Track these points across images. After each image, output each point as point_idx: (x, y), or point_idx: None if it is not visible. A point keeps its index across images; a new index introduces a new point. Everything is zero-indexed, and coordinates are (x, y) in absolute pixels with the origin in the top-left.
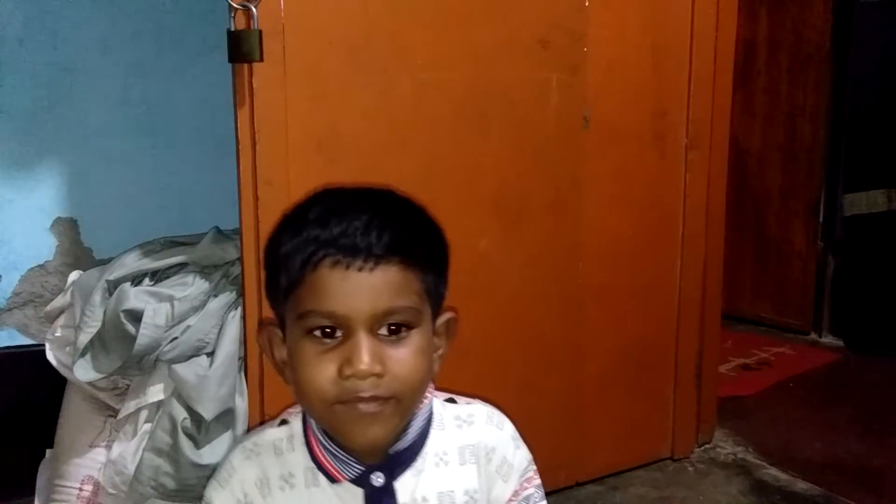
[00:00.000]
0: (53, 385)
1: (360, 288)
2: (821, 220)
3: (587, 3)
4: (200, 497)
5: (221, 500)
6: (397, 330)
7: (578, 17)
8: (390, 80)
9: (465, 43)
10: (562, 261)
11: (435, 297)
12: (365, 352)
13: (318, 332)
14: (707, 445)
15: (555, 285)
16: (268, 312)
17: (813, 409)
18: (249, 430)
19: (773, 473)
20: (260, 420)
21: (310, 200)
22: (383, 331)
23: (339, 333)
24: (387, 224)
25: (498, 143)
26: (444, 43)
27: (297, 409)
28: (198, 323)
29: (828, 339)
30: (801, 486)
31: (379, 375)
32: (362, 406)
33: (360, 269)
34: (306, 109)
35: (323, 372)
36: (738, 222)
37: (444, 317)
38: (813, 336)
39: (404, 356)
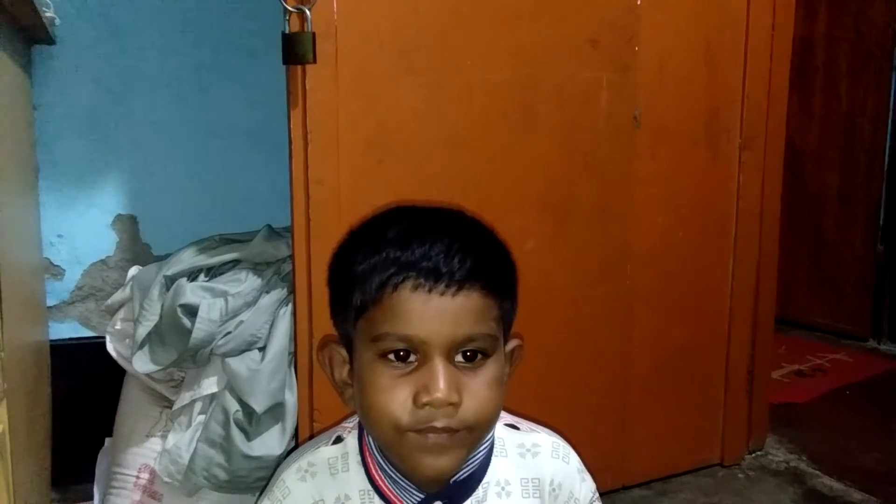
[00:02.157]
0: (113, 376)
1: (442, 313)
2: (881, 223)
3: (639, 2)
4: (251, 488)
5: None
6: (473, 357)
7: (629, 16)
8: (440, 81)
9: (513, 43)
10: (610, 262)
11: (508, 324)
12: (442, 380)
13: (391, 356)
14: (758, 452)
15: (602, 287)
16: (319, 309)
17: (869, 417)
18: (297, 437)
19: (826, 482)
20: (309, 414)
21: (383, 219)
22: (459, 358)
23: (413, 358)
24: (469, 249)
25: (547, 143)
26: (493, 43)
27: (352, 424)
28: (250, 318)
29: (887, 347)
30: (856, 496)
31: (455, 405)
32: (433, 437)
33: (441, 294)
34: (357, 110)
35: (397, 399)
36: (793, 225)
37: (512, 343)
38: (871, 343)
39: (479, 386)
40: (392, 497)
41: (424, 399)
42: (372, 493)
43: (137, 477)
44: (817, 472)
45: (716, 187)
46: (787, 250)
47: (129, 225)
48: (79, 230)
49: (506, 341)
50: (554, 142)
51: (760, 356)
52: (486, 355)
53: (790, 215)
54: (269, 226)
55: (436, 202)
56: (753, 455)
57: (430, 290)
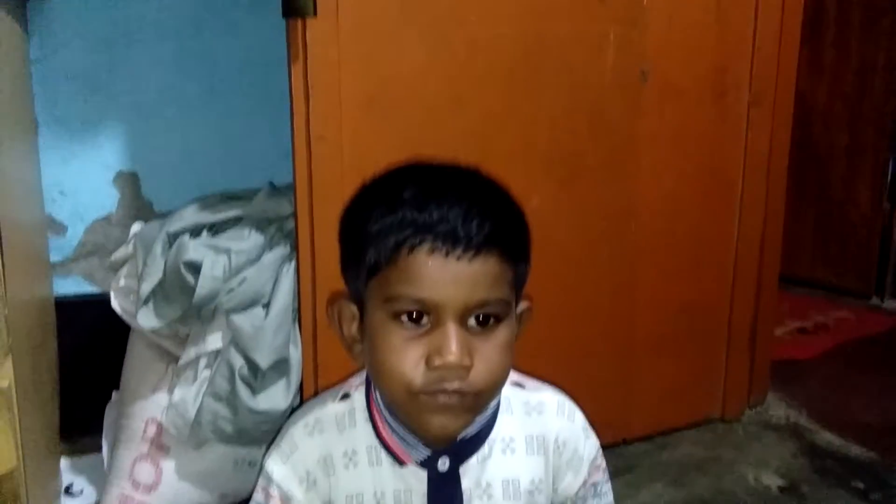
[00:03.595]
0: (119, 331)
1: (457, 278)
2: (888, 180)
3: None
4: (257, 441)
5: (283, 475)
6: (485, 321)
7: None
8: (443, 37)
9: None
10: (614, 220)
11: (520, 288)
12: (455, 343)
13: (404, 317)
14: (759, 408)
15: (606, 245)
16: (322, 266)
17: (871, 373)
18: (303, 392)
19: (826, 437)
20: (313, 370)
21: (399, 176)
22: (472, 322)
23: (426, 320)
24: (487, 213)
25: (552, 99)
26: None
27: (359, 380)
28: (253, 275)
29: (890, 304)
30: (856, 450)
31: (467, 368)
32: (443, 398)
33: (458, 259)
34: (359, 65)
35: (409, 360)
36: (799, 182)
37: (522, 306)
38: (875, 300)
39: (491, 351)
40: (399, 453)
41: (437, 362)
42: (379, 448)
43: (145, 430)
44: (817, 427)
45: (723, 144)
46: (793, 208)
47: (130, 181)
48: (80, 186)
49: (517, 304)
50: (559, 98)
51: (764, 313)
52: (499, 320)
53: (796, 172)
54: (271, 183)
55: (441, 159)
56: (754, 410)
57: (446, 255)
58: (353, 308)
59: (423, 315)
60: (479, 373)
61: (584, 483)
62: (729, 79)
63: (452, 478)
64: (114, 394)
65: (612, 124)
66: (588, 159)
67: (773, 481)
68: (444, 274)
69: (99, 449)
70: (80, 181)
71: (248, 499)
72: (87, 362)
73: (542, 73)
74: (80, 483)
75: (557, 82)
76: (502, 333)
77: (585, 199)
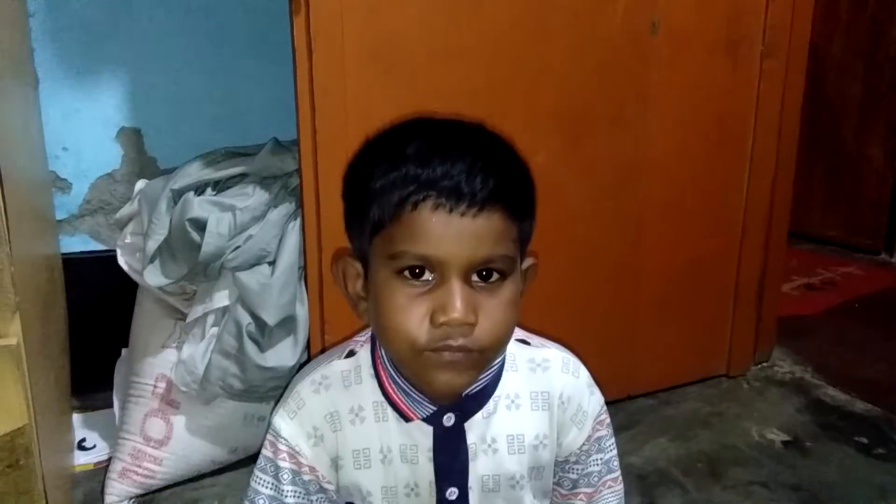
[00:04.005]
0: (127, 288)
1: (462, 234)
2: None
3: None
4: (265, 397)
5: (290, 431)
6: (490, 278)
7: None
8: None
9: None
10: (622, 176)
11: (525, 244)
12: (459, 300)
13: (407, 273)
14: (764, 364)
15: (614, 200)
16: (327, 223)
17: (878, 330)
18: (310, 349)
19: (831, 393)
20: (319, 327)
21: (402, 132)
22: (476, 278)
23: (430, 277)
24: (491, 168)
25: (560, 52)
26: None
27: (364, 337)
28: (259, 232)
29: None
30: (860, 406)
31: (471, 325)
32: (448, 355)
33: (462, 215)
34: (362, 16)
35: (414, 318)
36: (811, 136)
37: (528, 262)
38: (884, 256)
39: (496, 307)
40: (404, 409)
41: (441, 319)
42: (385, 404)
43: (155, 386)
44: (822, 382)
45: (734, 97)
46: (804, 162)
47: (133, 138)
48: (83, 143)
49: (522, 260)
50: (567, 51)
51: (771, 269)
52: (504, 276)
53: (808, 126)
54: (275, 139)
55: (446, 114)
56: (759, 366)
57: (450, 211)
58: (358, 265)
59: (427, 272)
60: (484, 329)
61: (588, 438)
62: (742, 29)
63: (458, 433)
64: (123, 351)
65: (620, 77)
66: (596, 114)
67: (776, 436)
68: (448, 230)
69: (111, 404)
70: (83, 137)
71: (258, 453)
72: (96, 319)
73: (550, 26)
74: (92, 438)
75: (565, 34)
76: (507, 290)
77: (592, 155)
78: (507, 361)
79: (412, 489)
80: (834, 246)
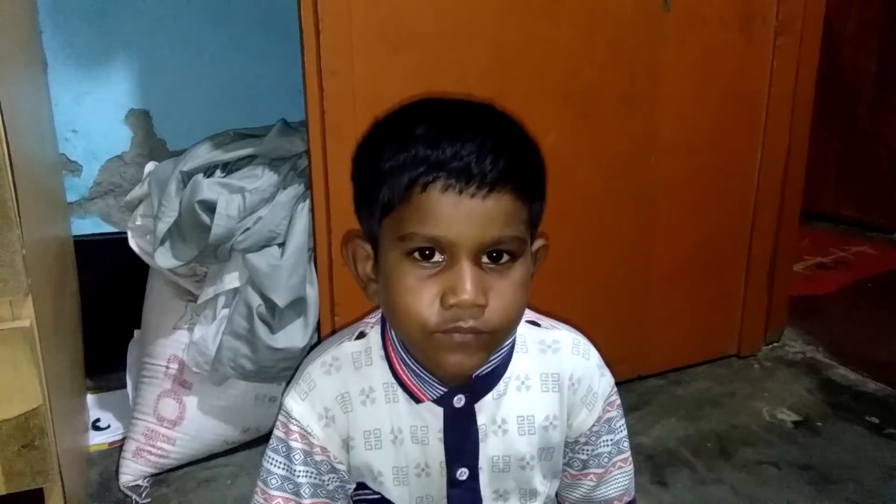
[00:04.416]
0: (138, 269)
1: (471, 215)
2: None
3: None
4: (277, 378)
5: (302, 412)
6: (500, 259)
7: None
8: None
9: None
10: (633, 155)
11: (536, 225)
12: (469, 282)
13: (417, 255)
14: (775, 344)
15: (625, 180)
16: (336, 205)
17: (890, 309)
18: (320, 330)
19: (842, 373)
20: (330, 309)
21: (411, 112)
22: (486, 259)
23: (440, 258)
24: (501, 149)
25: (569, 29)
26: None
27: (374, 319)
28: (268, 214)
29: None
30: (872, 386)
31: (481, 307)
32: (458, 336)
33: (472, 196)
34: None
35: (424, 299)
36: (825, 113)
37: (538, 243)
38: None
39: (506, 289)
40: (415, 390)
41: (451, 301)
42: (395, 385)
43: (167, 367)
44: (833, 362)
45: (748, 75)
46: (817, 139)
47: (142, 120)
48: (93, 125)
49: (532, 241)
50: (577, 28)
51: (783, 249)
52: (514, 257)
53: (822, 103)
54: (283, 120)
55: (455, 94)
56: (770, 346)
57: (460, 192)
58: (368, 247)
59: (437, 253)
60: (494, 311)
61: (599, 419)
62: (755, 5)
63: (468, 414)
64: (135, 332)
65: (632, 55)
66: (607, 92)
67: (787, 416)
68: (457, 212)
69: (124, 385)
70: (93, 120)
71: (270, 432)
72: (109, 301)
73: (559, 2)
74: (106, 418)
75: (575, 11)
76: (517, 271)
77: (604, 134)
78: (517, 343)
79: (423, 469)
80: (847, 225)
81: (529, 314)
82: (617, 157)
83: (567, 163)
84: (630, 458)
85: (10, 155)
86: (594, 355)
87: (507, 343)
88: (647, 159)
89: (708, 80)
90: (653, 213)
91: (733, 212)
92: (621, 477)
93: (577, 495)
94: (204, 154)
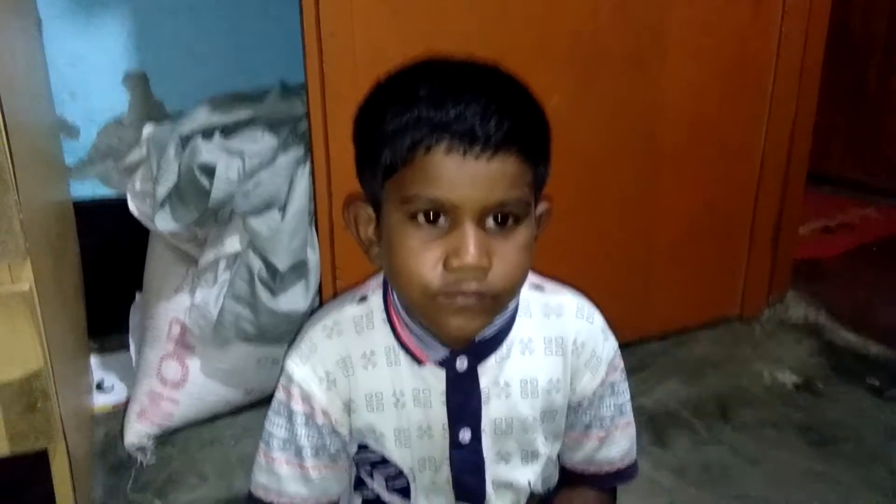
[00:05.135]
0: (139, 233)
1: (476, 177)
2: None
3: None
4: (279, 341)
5: (303, 375)
6: (504, 222)
7: None
8: None
9: None
10: (638, 120)
11: (540, 188)
12: (473, 245)
13: (421, 218)
14: (778, 307)
15: (629, 143)
16: (337, 168)
17: (894, 273)
18: (321, 294)
19: (844, 336)
20: (331, 272)
21: (414, 73)
22: (490, 222)
23: (443, 221)
24: (506, 111)
25: None
26: None
27: (376, 283)
28: (268, 178)
29: None
30: (874, 348)
31: (485, 270)
32: (461, 299)
33: (476, 158)
34: None
35: (427, 262)
36: (833, 76)
37: (542, 207)
38: None
39: (510, 252)
40: (417, 353)
41: (455, 263)
42: (397, 349)
43: (169, 330)
44: (836, 325)
45: (756, 38)
46: (824, 102)
47: (139, 82)
48: (90, 88)
49: (536, 205)
50: None
51: (788, 212)
52: (518, 220)
53: (831, 66)
54: (282, 82)
55: (457, 55)
56: (773, 309)
57: (464, 154)
58: (370, 210)
59: (440, 216)
60: (498, 274)
61: (602, 383)
62: None
63: (471, 377)
64: (137, 295)
65: (638, 17)
66: (612, 56)
67: (788, 378)
68: (461, 174)
69: (127, 347)
70: (90, 82)
71: (273, 395)
72: (110, 264)
73: None
74: (110, 380)
75: None
76: (521, 234)
77: (608, 96)
78: (520, 307)
79: (425, 431)
80: (853, 188)
81: (533, 278)
82: (621, 120)
83: (570, 126)
84: (632, 421)
85: (4, 116)
86: (598, 319)
87: (510, 306)
88: (653, 123)
89: (716, 43)
90: (657, 176)
91: (739, 175)
92: (623, 439)
93: (579, 457)
94: (202, 117)
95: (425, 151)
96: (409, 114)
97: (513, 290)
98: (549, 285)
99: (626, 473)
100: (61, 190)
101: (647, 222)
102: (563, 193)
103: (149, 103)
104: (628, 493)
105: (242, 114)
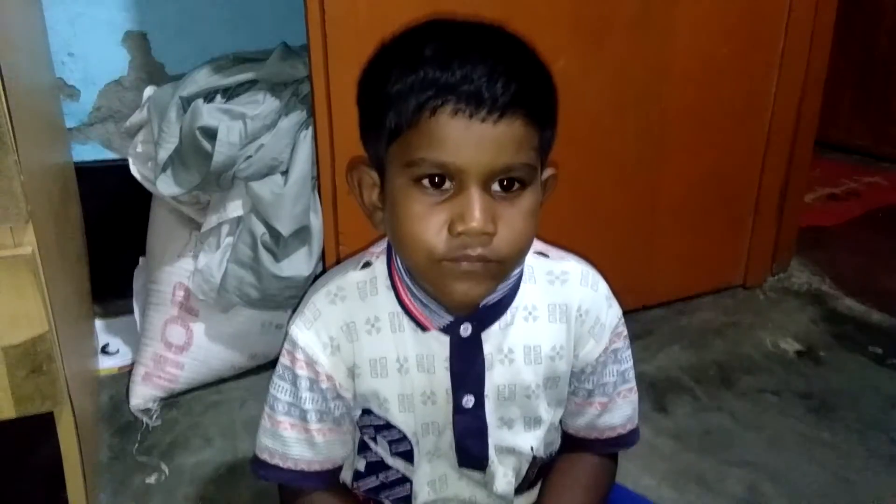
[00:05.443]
0: (141, 196)
1: (482, 140)
2: None
3: None
4: (282, 305)
5: (307, 340)
6: (510, 187)
7: None
8: None
9: None
10: (645, 82)
11: (546, 153)
12: (478, 209)
13: (426, 182)
14: (782, 274)
15: (636, 108)
16: (340, 132)
17: None
18: (325, 259)
19: (847, 303)
20: (334, 238)
21: (420, 34)
22: (496, 187)
23: (448, 185)
24: (513, 72)
25: None
26: None
27: (380, 249)
28: (270, 142)
29: None
30: (876, 316)
31: (490, 235)
32: (466, 265)
33: (483, 121)
34: None
35: (432, 227)
36: (843, 40)
37: (548, 172)
38: None
39: (515, 217)
40: (421, 319)
41: (460, 228)
42: (401, 314)
43: (173, 294)
44: (839, 293)
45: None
46: (833, 67)
47: (139, 42)
48: (90, 49)
49: (542, 170)
50: None
51: (795, 180)
52: (524, 185)
53: (841, 30)
54: (284, 43)
55: (464, 15)
56: (776, 277)
57: (470, 116)
58: (374, 174)
59: (445, 180)
60: (503, 239)
61: (605, 350)
62: None
63: (474, 343)
64: (141, 259)
65: None
66: (619, 16)
67: (790, 346)
68: (467, 137)
69: (132, 311)
70: (89, 43)
71: (278, 359)
72: (114, 227)
73: None
74: (115, 343)
75: None
76: (527, 200)
77: (615, 60)
78: (525, 273)
79: (428, 397)
80: (860, 155)
81: (538, 245)
82: (628, 84)
83: (576, 90)
84: (634, 388)
85: (3, 77)
86: (603, 287)
87: (515, 273)
88: (660, 87)
89: (725, 4)
90: (663, 141)
91: (746, 141)
92: (625, 406)
93: (581, 423)
94: (203, 79)
95: (431, 114)
96: (414, 75)
97: (518, 256)
98: (554, 252)
99: (627, 439)
100: (62, 152)
101: (651, 188)
102: (568, 158)
103: (149, 64)
104: (629, 459)
105: (244, 76)
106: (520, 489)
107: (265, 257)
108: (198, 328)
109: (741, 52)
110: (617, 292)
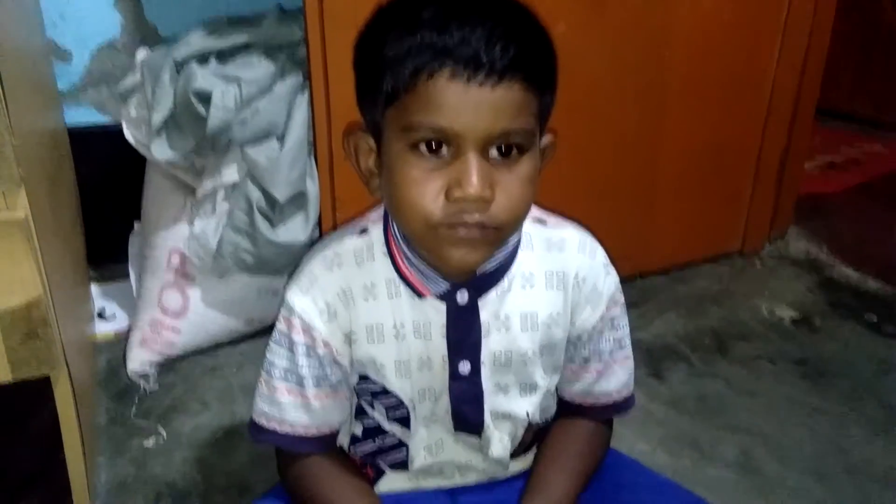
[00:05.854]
0: (136, 161)
1: (480, 105)
2: None
3: None
4: (278, 271)
5: (303, 306)
6: (508, 153)
7: None
8: None
9: None
10: (646, 48)
11: (545, 119)
12: (476, 175)
13: (423, 147)
14: (779, 242)
15: (637, 74)
16: (336, 97)
17: None
18: (321, 225)
19: (844, 272)
20: (331, 204)
21: None
22: (494, 153)
23: (446, 150)
24: (512, 36)
25: None
26: None
27: (376, 215)
28: (266, 106)
29: None
30: (872, 284)
31: (487, 201)
32: (463, 231)
33: (480, 85)
34: None
35: (429, 193)
36: (846, 7)
37: (546, 139)
38: None
39: (513, 183)
40: (418, 286)
41: (457, 194)
42: (398, 281)
43: (169, 260)
44: (835, 261)
45: None
46: (836, 35)
47: (132, 4)
48: (82, 10)
49: (540, 136)
50: None
51: (796, 147)
52: (522, 151)
53: None
54: (279, 5)
55: None
56: (774, 245)
57: (468, 80)
58: (370, 140)
59: (442, 145)
60: (501, 205)
61: (602, 317)
62: None
63: (471, 310)
64: (136, 224)
65: None
66: None
67: (786, 313)
68: (464, 101)
69: (128, 276)
70: (81, 4)
71: (274, 324)
72: (109, 192)
73: None
74: (111, 308)
75: None
76: (525, 166)
77: (616, 25)
78: (522, 240)
79: (425, 363)
80: (861, 123)
81: (536, 212)
82: (629, 49)
83: (576, 55)
84: (630, 355)
85: None
86: (600, 254)
87: (512, 240)
88: (661, 54)
89: None
90: (663, 107)
91: (747, 108)
92: (621, 372)
93: (577, 389)
94: (197, 42)
95: (428, 77)
96: (412, 38)
97: (515, 223)
98: (552, 219)
99: (622, 405)
100: (55, 116)
101: (651, 155)
102: (567, 124)
103: (142, 27)
104: (624, 424)
105: (238, 38)
106: (515, 453)
107: (261, 223)
108: (194, 294)
109: (744, 17)
110: (614, 259)
